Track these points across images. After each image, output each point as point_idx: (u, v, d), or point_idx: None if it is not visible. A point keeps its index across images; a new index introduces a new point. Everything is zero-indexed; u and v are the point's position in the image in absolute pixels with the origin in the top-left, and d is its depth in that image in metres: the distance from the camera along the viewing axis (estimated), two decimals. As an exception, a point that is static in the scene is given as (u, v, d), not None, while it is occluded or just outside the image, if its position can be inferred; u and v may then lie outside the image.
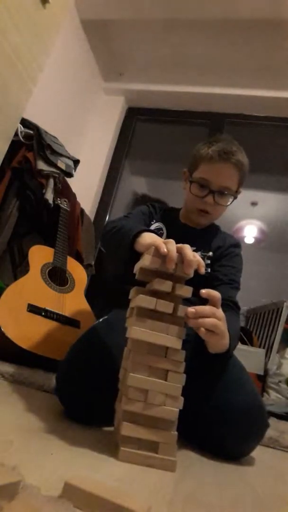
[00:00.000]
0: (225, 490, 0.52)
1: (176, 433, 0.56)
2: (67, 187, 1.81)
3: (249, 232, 2.60)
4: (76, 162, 1.83)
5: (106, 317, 0.83)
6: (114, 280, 1.07)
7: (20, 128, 1.55)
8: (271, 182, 2.57)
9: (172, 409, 0.56)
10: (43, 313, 1.19)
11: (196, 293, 0.61)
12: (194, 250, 0.60)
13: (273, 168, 2.48)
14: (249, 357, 1.59)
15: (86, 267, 1.76)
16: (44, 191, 1.57)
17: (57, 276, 1.40)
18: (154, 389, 0.55)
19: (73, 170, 1.77)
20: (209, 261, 0.98)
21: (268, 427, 0.72)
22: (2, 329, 1.05)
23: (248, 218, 2.60)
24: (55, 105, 2.11)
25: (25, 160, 1.53)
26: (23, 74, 1.40)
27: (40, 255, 1.42)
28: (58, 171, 1.63)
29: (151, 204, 1.07)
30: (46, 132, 1.66)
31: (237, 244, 1.04)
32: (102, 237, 0.92)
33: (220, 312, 0.63)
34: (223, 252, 1.00)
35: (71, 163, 1.75)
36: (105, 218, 2.49)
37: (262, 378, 1.63)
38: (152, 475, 0.51)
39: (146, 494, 0.44)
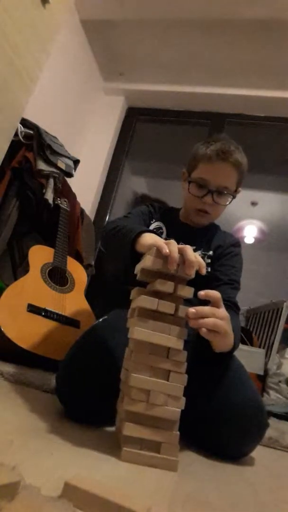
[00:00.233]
0: (225, 490, 0.52)
1: (178, 433, 0.56)
2: (67, 187, 1.81)
3: (249, 232, 2.60)
4: (76, 162, 1.83)
5: (106, 317, 0.84)
6: (113, 280, 1.07)
7: (20, 128, 1.55)
8: (271, 182, 2.57)
9: (174, 409, 0.56)
10: (43, 313, 1.19)
11: (196, 294, 0.61)
12: (194, 250, 0.60)
13: (273, 168, 2.48)
14: (249, 357, 1.59)
15: (86, 267, 1.76)
16: (44, 191, 1.57)
17: (57, 276, 1.40)
18: (156, 390, 0.56)
19: (73, 170, 1.77)
20: (209, 260, 0.98)
21: (268, 427, 0.72)
22: (2, 329, 1.05)
23: (248, 218, 2.60)
24: (55, 105, 2.11)
25: (25, 160, 1.53)
26: (23, 74, 1.40)
27: (40, 255, 1.42)
28: (58, 171, 1.63)
29: (150, 204, 1.08)
30: (46, 132, 1.66)
31: (237, 243, 1.04)
32: (102, 238, 0.92)
33: (221, 311, 0.63)
34: (223, 251, 1.00)
35: (71, 163, 1.75)
36: (105, 218, 2.49)
37: (262, 378, 1.63)
38: (152, 475, 0.51)
39: (146, 494, 0.44)
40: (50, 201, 1.57)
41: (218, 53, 2.17)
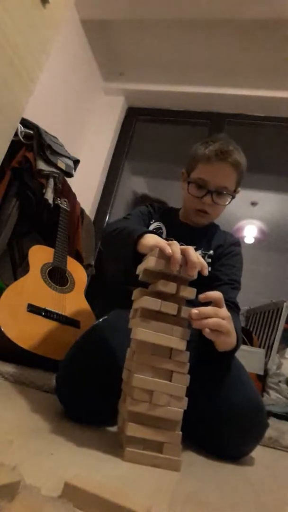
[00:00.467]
0: (225, 490, 0.52)
1: (180, 433, 0.57)
2: (67, 187, 1.81)
3: (249, 232, 2.60)
4: (76, 162, 1.83)
5: (106, 317, 0.84)
6: (113, 280, 1.07)
7: (20, 128, 1.55)
8: (271, 182, 2.57)
9: (176, 410, 0.56)
10: (43, 313, 1.19)
11: (197, 294, 0.61)
12: (194, 249, 0.60)
13: (273, 168, 2.48)
14: (249, 357, 1.59)
15: (86, 267, 1.76)
16: (44, 191, 1.57)
17: (57, 276, 1.40)
18: (159, 390, 0.56)
19: (73, 170, 1.77)
20: (209, 260, 0.98)
21: (268, 427, 0.72)
22: (2, 329, 1.05)
23: (248, 218, 2.60)
24: (55, 105, 2.11)
25: (25, 160, 1.53)
26: (23, 74, 1.40)
27: (40, 255, 1.42)
28: (58, 171, 1.63)
29: (150, 204, 1.08)
30: (46, 132, 1.66)
31: (237, 242, 1.04)
32: (103, 239, 0.92)
33: (224, 311, 0.63)
34: (223, 250, 1.00)
35: (71, 163, 1.75)
36: (105, 218, 2.49)
37: (262, 378, 1.63)
38: (152, 475, 0.51)
39: (146, 494, 0.44)
40: (50, 201, 1.57)
41: (218, 53, 2.17)
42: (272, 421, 0.98)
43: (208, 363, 0.73)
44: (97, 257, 2.13)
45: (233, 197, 0.97)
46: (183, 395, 0.57)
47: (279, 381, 1.61)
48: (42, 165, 1.56)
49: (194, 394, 0.60)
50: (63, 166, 1.67)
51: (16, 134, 1.51)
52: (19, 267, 1.56)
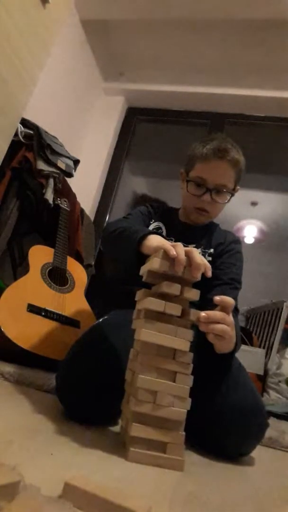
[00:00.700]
0: (225, 490, 0.52)
1: (184, 433, 0.57)
2: (67, 187, 1.81)
3: (249, 232, 2.60)
4: (76, 162, 1.83)
5: (106, 317, 0.84)
6: (114, 280, 1.07)
7: (20, 128, 1.55)
8: (271, 182, 2.57)
9: (180, 410, 0.57)
10: (43, 313, 1.19)
11: (199, 295, 0.61)
12: (194, 247, 0.61)
13: (274, 168, 2.48)
14: (249, 357, 1.59)
15: (86, 267, 1.76)
16: (44, 191, 1.57)
17: (57, 276, 1.40)
18: (162, 391, 0.56)
19: (73, 170, 1.77)
20: (210, 258, 0.98)
21: (268, 427, 0.72)
22: (2, 329, 1.05)
23: (248, 218, 2.60)
24: (55, 105, 2.11)
25: (25, 160, 1.53)
26: (23, 74, 1.40)
27: (40, 255, 1.42)
28: (58, 171, 1.63)
29: (150, 204, 1.08)
30: (46, 132, 1.66)
31: (237, 240, 1.04)
32: (103, 239, 0.92)
33: (230, 318, 0.63)
34: (224, 248, 1.00)
35: (71, 163, 1.75)
36: (105, 218, 2.49)
37: (262, 378, 1.63)
38: (152, 475, 0.51)
39: (146, 494, 0.44)
40: (50, 201, 1.57)
41: (218, 53, 2.17)
42: (272, 421, 0.98)
43: (208, 364, 0.73)
44: (97, 257, 2.13)
45: (232, 195, 0.97)
46: (187, 395, 0.57)
47: (279, 381, 1.61)
48: (42, 165, 1.56)
49: (195, 395, 0.60)
50: (63, 166, 1.67)
51: (16, 134, 1.51)
52: (19, 267, 1.56)
